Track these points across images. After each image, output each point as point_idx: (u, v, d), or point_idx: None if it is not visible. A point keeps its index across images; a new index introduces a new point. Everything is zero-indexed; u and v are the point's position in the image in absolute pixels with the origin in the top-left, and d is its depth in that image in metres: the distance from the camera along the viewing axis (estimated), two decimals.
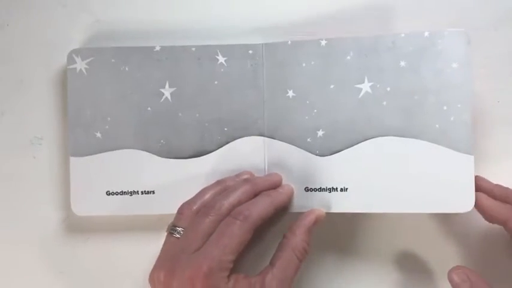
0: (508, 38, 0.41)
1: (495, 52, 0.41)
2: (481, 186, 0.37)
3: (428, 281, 0.40)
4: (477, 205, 0.36)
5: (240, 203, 0.35)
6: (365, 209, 0.38)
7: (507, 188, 0.37)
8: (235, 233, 0.33)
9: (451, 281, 0.35)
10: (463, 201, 0.36)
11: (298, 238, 0.36)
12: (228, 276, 0.32)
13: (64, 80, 0.42)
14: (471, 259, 0.40)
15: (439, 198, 0.37)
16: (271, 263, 0.35)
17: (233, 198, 0.36)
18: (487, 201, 0.36)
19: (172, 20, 0.44)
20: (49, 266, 0.43)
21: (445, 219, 0.41)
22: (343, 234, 0.41)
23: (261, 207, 0.35)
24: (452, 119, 0.37)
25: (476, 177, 0.37)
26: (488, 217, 0.36)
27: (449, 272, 0.35)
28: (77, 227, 0.43)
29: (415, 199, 0.37)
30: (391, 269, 0.41)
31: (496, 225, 0.36)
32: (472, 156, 0.36)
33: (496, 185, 0.37)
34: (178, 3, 0.44)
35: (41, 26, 0.44)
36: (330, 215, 0.38)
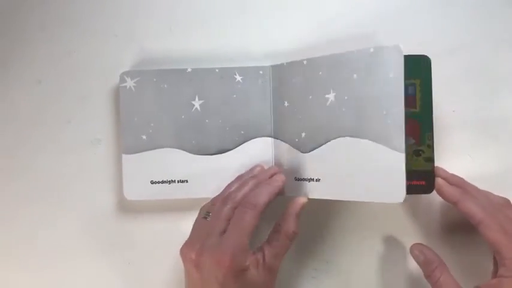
0: (462, 60, 0.45)
1: (452, 71, 0.46)
2: (440, 175, 0.42)
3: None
4: (436, 188, 0.41)
5: (249, 190, 0.39)
6: (330, 197, 0.41)
7: (460, 177, 0.42)
8: (248, 220, 0.36)
9: (411, 254, 0.41)
10: (396, 192, 0.37)
11: (288, 224, 0.39)
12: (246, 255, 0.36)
13: (117, 95, 0.46)
14: (432, 234, 0.45)
15: (377, 189, 0.38)
16: (268, 241, 0.38)
17: (244, 190, 0.39)
18: (444, 185, 0.40)
19: (201, 47, 0.48)
20: (105, 239, 0.47)
21: (414, 202, 0.45)
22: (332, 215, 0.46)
23: (264, 195, 0.38)
24: (389, 122, 0.38)
25: (436, 167, 0.42)
26: (444, 198, 0.40)
27: (410, 248, 0.41)
28: (127, 209, 0.47)
29: (360, 189, 0.39)
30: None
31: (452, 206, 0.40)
32: (403, 154, 0.37)
33: (452, 174, 0.42)
34: (206, 35, 0.48)
35: (99, 52, 0.48)
36: (318, 201, 0.41)
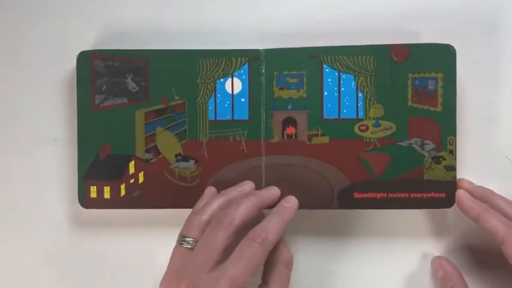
0: (494, 46, 0.42)
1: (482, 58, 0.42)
2: (463, 186, 0.39)
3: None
4: (456, 201, 0.38)
5: (248, 216, 0.35)
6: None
7: (486, 189, 0.39)
8: (255, 255, 0.32)
9: (431, 267, 0.41)
10: None
11: (283, 252, 0.36)
12: None
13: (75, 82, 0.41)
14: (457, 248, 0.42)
15: None
16: (265, 281, 0.35)
17: (242, 211, 0.34)
18: (465, 198, 0.38)
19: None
20: (61, 259, 0.43)
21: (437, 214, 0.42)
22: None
23: (276, 228, 0.34)
24: None
25: (460, 179, 0.39)
26: (465, 213, 0.37)
27: (431, 261, 0.40)
28: (88, 222, 0.43)
29: None
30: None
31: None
32: None
33: (478, 186, 0.39)
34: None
35: (53, 32, 0.43)
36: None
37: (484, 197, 0.38)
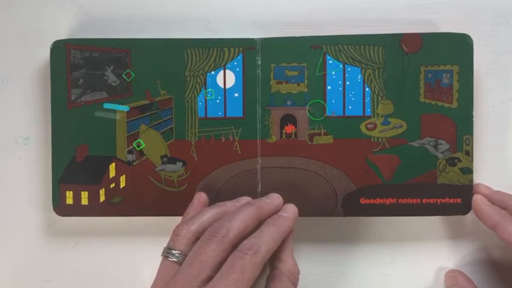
0: None
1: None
2: (481, 192, 0.38)
3: None
4: (473, 208, 0.37)
5: (246, 228, 0.33)
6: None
7: (505, 194, 0.37)
8: (246, 268, 0.31)
9: (445, 281, 0.40)
10: None
11: (288, 264, 0.35)
12: None
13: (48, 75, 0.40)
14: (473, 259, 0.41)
15: None
16: None
17: (238, 222, 0.33)
18: (482, 204, 0.37)
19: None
20: (33, 273, 0.41)
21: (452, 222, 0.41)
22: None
23: (269, 239, 0.33)
24: None
25: (477, 184, 0.39)
26: (482, 220, 0.36)
27: (445, 274, 0.40)
28: (64, 231, 0.41)
29: None
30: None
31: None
32: None
33: (496, 191, 0.38)
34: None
35: (24, 17, 0.41)
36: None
37: (503, 202, 0.37)
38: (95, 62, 0.39)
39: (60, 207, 0.38)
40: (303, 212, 0.36)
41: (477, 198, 0.37)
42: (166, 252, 0.33)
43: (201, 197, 0.37)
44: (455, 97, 0.37)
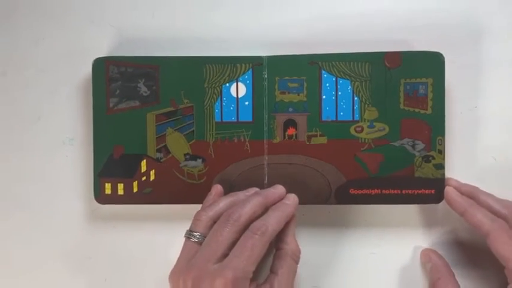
0: (480, 53, 0.42)
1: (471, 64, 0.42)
2: (451, 184, 0.40)
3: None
4: (445, 197, 0.39)
5: (254, 213, 0.35)
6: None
7: (472, 186, 0.39)
8: (256, 246, 0.33)
9: (420, 259, 0.41)
10: None
11: (292, 246, 0.36)
12: (249, 285, 0.33)
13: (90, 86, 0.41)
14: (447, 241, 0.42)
15: None
16: (274, 271, 0.35)
17: (248, 208, 0.35)
18: (452, 194, 0.39)
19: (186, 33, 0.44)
20: (77, 252, 0.43)
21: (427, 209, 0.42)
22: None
23: (274, 221, 0.34)
24: None
25: (448, 178, 0.40)
26: (453, 208, 0.38)
27: (420, 253, 0.41)
28: (103, 217, 0.44)
29: None
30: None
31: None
32: None
33: (464, 183, 0.40)
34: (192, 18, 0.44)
35: (70, 39, 0.44)
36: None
37: (471, 193, 0.39)
38: (129, 75, 0.41)
39: (100, 197, 0.41)
40: (302, 201, 0.38)
41: (448, 190, 0.39)
42: (189, 234, 0.35)
43: (217, 188, 0.39)
44: (430, 105, 0.39)
